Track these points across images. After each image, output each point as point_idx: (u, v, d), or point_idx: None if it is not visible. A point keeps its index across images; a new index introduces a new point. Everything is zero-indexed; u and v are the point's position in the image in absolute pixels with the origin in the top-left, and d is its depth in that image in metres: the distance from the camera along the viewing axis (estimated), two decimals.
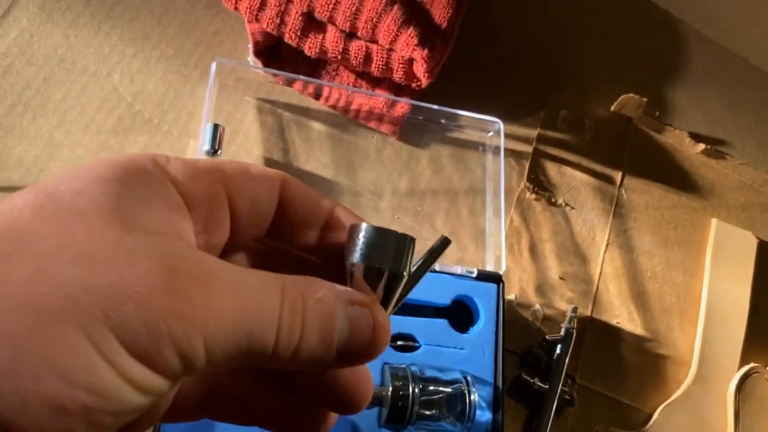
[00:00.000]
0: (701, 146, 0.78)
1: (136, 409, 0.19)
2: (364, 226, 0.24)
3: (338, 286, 0.23)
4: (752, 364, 0.69)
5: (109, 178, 0.20)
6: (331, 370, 0.25)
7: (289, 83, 0.64)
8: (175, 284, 0.19)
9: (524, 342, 0.65)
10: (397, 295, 0.24)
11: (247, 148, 0.61)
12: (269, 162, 0.61)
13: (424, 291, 0.60)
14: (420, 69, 0.62)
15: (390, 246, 0.24)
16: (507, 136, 0.70)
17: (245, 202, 0.25)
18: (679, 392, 0.68)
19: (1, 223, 0.18)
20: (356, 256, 0.24)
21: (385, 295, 0.24)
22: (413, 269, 0.24)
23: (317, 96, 0.65)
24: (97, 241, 0.19)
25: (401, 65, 0.63)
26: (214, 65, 0.59)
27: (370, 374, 0.25)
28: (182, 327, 0.19)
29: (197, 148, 0.57)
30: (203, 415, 0.27)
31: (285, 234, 0.26)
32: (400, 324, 0.58)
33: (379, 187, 0.65)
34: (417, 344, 0.58)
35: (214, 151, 0.58)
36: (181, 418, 0.26)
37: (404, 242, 0.24)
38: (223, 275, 0.20)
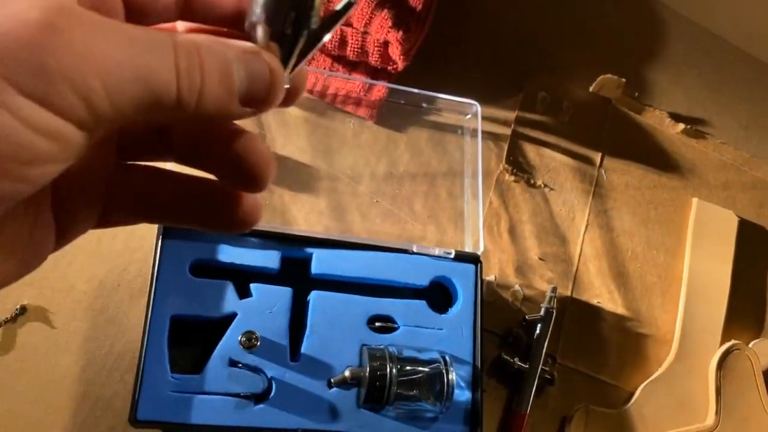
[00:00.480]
0: (681, 126, 0.78)
1: (47, 157, 0.19)
2: None
3: (228, 40, 0.23)
4: (733, 341, 0.69)
5: None
6: (234, 135, 0.25)
7: None
8: (57, 22, 0.18)
9: (504, 322, 0.65)
10: (297, 52, 0.24)
11: None
12: None
13: (402, 272, 0.60)
14: (395, 51, 0.62)
15: (284, 4, 0.24)
16: (485, 118, 0.70)
17: None
18: (660, 370, 0.68)
19: None
20: (253, 17, 0.24)
21: (286, 53, 0.24)
22: (314, 28, 0.24)
23: None
24: None
25: (376, 48, 0.63)
26: None
27: (270, 151, 0.26)
28: (74, 63, 0.18)
29: None
30: (124, 217, 0.27)
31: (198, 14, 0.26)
32: (378, 306, 0.58)
33: (357, 172, 0.65)
34: (395, 325, 0.59)
35: None
36: (112, 218, 0.26)
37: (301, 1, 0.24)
38: (112, 24, 0.20)
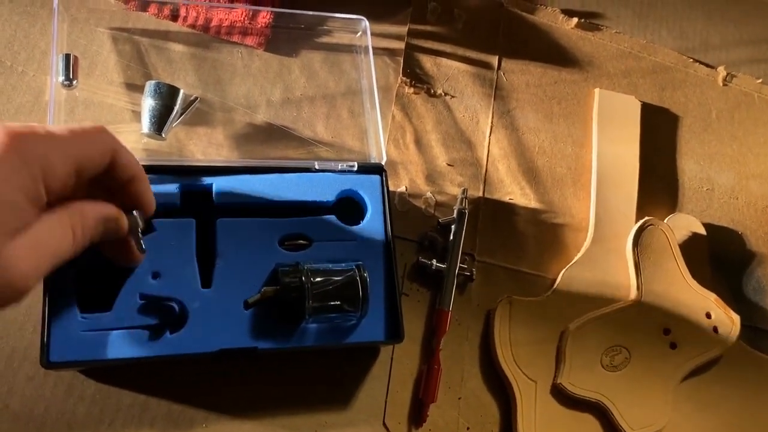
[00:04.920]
0: (575, 21, 0.79)
1: None
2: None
3: (101, 205, 0.44)
4: (647, 218, 0.71)
5: None
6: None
7: (143, 8, 0.63)
8: None
9: (420, 229, 0.66)
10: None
11: (108, 78, 0.61)
12: (132, 87, 0.61)
13: (308, 191, 0.60)
14: None
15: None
16: (378, 35, 0.70)
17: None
18: (579, 255, 0.70)
19: None
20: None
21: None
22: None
23: (174, 17, 0.64)
24: None
25: None
26: None
27: (133, 252, 0.49)
28: None
29: (50, 83, 0.56)
30: None
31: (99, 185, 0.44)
32: (288, 226, 0.59)
33: (252, 101, 0.65)
34: (307, 242, 0.59)
35: (69, 81, 0.57)
36: None
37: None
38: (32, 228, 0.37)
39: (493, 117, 0.72)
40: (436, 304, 0.63)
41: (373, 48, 0.66)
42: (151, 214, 0.47)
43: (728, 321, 0.69)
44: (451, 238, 0.65)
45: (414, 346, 0.62)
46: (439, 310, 0.63)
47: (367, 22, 0.66)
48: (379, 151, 0.63)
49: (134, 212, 0.46)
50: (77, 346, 0.50)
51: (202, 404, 0.55)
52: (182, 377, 0.55)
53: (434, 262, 0.64)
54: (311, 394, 0.58)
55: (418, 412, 0.60)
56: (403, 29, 0.72)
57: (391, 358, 0.61)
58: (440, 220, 0.66)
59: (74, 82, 0.57)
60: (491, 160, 0.71)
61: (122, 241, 0.47)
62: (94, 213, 0.42)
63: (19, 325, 0.53)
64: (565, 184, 0.73)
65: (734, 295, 0.75)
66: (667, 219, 0.74)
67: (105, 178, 0.43)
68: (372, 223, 0.61)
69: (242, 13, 0.65)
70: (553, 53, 0.78)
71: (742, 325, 0.69)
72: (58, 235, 0.39)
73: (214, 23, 0.65)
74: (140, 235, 0.47)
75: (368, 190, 0.62)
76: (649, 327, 0.68)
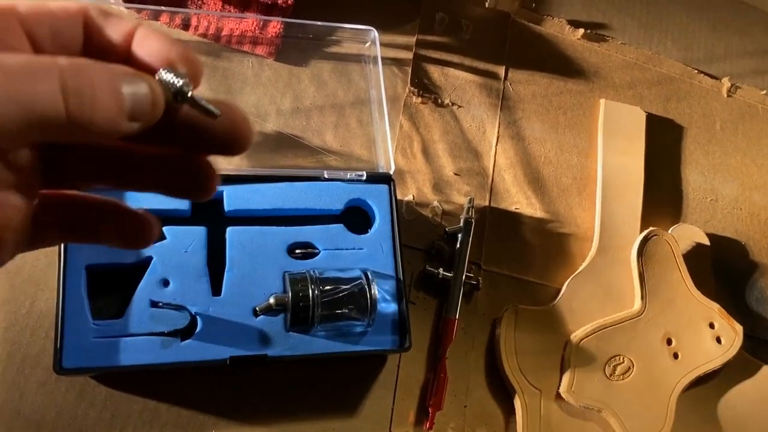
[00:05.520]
0: (581, 31, 0.80)
1: None
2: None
3: (114, 64, 0.25)
4: (651, 228, 0.72)
5: None
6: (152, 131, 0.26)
7: (155, 17, 0.64)
8: None
9: (427, 238, 0.67)
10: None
11: None
12: None
13: (317, 199, 0.61)
14: None
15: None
16: (386, 45, 0.71)
17: (45, 36, 0.25)
18: (584, 265, 0.70)
19: None
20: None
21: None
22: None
23: (185, 26, 0.65)
24: None
25: None
26: None
27: (246, 116, 0.29)
28: None
29: None
30: (54, 238, 0.30)
31: None
32: (297, 234, 0.59)
33: (263, 110, 0.65)
34: (316, 251, 0.60)
35: None
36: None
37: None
38: None
39: (499, 127, 0.73)
40: (442, 313, 0.64)
41: (382, 58, 0.66)
42: (193, 71, 0.27)
43: (731, 331, 0.70)
44: (458, 247, 0.65)
45: (420, 354, 0.63)
46: (445, 318, 0.63)
47: (377, 33, 0.67)
48: (388, 160, 0.63)
49: (163, 71, 0.26)
50: (90, 353, 0.51)
51: (211, 411, 0.56)
52: (192, 384, 0.56)
53: (441, 270, 0.64)
54: (319, 401, 0.59)
55: (424, 420, 0.61)
56: (411, 39, 0.73)
57: (398, 366, 0.62)
58: (447, 229, 0.67)
59: None
60: (497, 170, 0.71)
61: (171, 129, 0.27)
62: (106, 73, 0.24)
63: (31, 330, 0.54)
64: (571, 194, 0.73)
65: (737, 306, 0.75)
66: (671, 229, 0.74)
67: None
68: (380, 232, 0.62)
69: (253, 23, 0.65)
70: (560, 64, 0.78)
71: (745, 335, 0.70)
72: (35, 70, 0.22)
73: (224, 32, 0.65)
74: (198, 100, 0.27)
75: (376, 199, 0.62)
76: (652, 337, 0.69)
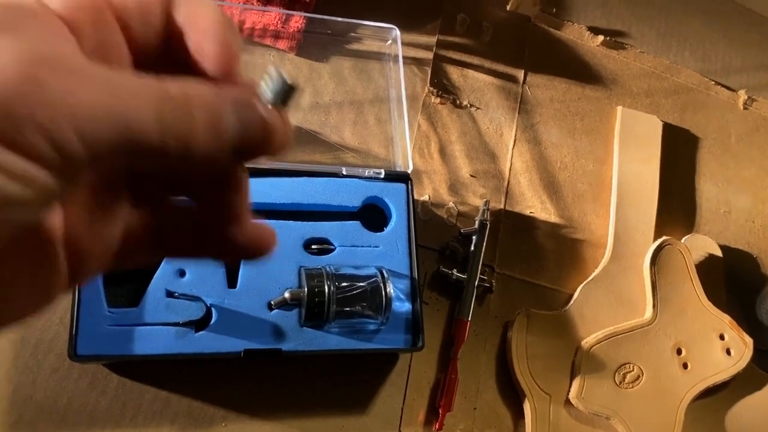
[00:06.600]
0: (601, 38, 0.80)
1: (20, 201, 0.19)
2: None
3: (223, 87, 0.23)
4: (664, 237, 0.71)
5: None
6: (230, 194, 0.25)
7: None
8: (36, 73, 0.19)
9: (441, 238, 0.66)
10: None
11: None
12: None
13: (334, 195, 0.61)
14: None
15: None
16: (407, 44, 0.71)
17: (135, 22, 0.24)
18: (597, 271, 0.70)
19: None
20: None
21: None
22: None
23: None
24: None
25: None
26: None
27: (271, 229, 0.26)
28: (44, 111, 0.19)
29: None
30: (140, 256, 0.27)
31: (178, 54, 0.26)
32: (313, 229, 0.59)
33: None
34: (332, 247, 0.60)
35: None
36: (126, 259, 0.27)
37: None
38: (94, 70, 0.20)
39: (516, 130, 0.73)
40: (455, 314, 0.64)
41: (402, 57, 0.66)
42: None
43: (741, 344, 0.70)
44: (472, 248, 0.65)
45: (431, 354, 0.63)
46: (458, 319, 0.63)
47: (398, 31, 0.67)
48: (406, 159, 0.63)
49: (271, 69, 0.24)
50: (104, 341, 0.51)
51: (222, 403, 0.55)
52: (204, 375, 0.56)
53: (455, 272, 0.64)
54: (330, 398, 0.58)
55: (433, 421, 0.60)
56: (432, 39, 0.73)
57: (409, 366, 0.62)
58: (462, 231, 0.66)
59: None
60: (513, 173, 0.71)
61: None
62: (210, 89, 0.22)
63: (46, 316, 0.54)
64: (585, 200, 0.73)
65: (747, 319, 0.75)
66: (684, 239, 0.74)
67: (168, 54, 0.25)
68: (396, 231, 0.61)
69: (276, 17, 0.65)
70: (578, 69, 0.78)
71: (755, 348, 0.70)
72: (134, 92, 0.20)
73: (247, 25, 0.65)
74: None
75: (394, 197, 0.62)
76: (662, 346, 0.69)
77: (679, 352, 0.69)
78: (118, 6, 0.24)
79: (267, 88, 0.24)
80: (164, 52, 0.25)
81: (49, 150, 0.19)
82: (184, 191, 0.27)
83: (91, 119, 0.20)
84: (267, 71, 0.24)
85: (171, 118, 0.21)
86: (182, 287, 0.54)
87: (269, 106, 0.23)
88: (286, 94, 0.24)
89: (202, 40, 0.25)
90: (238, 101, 0.22)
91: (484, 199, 0.67)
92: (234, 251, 0.27)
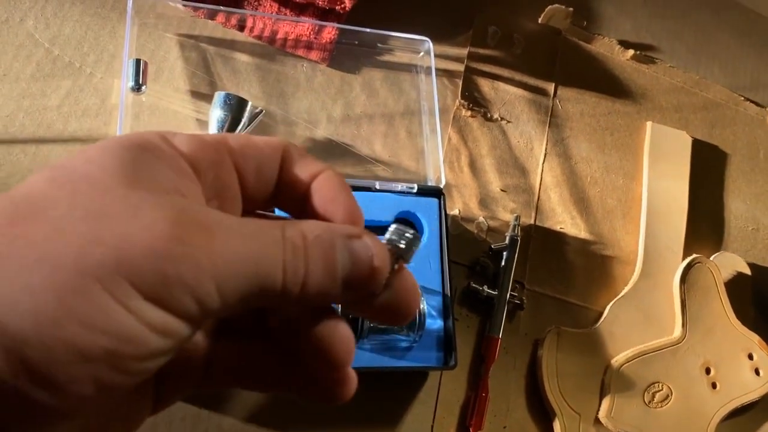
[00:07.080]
0: (631, 52, 0.79)
1: (158, 352, 0.20)
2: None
3: (334, 224, 0.25)
4: (694, 255, 0.71)
5: (117, 148, 0.22)
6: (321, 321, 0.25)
7: (212, 16, 0.63)
8: (180, 233, 0.20)
9: (471, 254, 0.66)
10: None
11: (173, 85, 0.61)
12: (197, 96, 0.60)
13: (366, 209, 0.60)
14: None
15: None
16: (438, 56, 0.70)
17: (251, 168, 0.26)
18: (626, 289, 0.70)
19: (18, 195, 0.20)
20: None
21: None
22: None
23: (241, 27, 0.64)
24: (104, 199, 0.20)
25: None
26: (130, 1, 0.57)
27: (350, 334, 0.25)
28: (191, 271, 0.20)
29: (121, 87, 0.56)
30: (220, 384, 0.28)
31: (286, 200, 0.28)
32: None
33: (314, 116, 0.65)
34: None
35: (138, 86, 0.57)
36: (206, 387, 0.27)
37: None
38: (226, 223, 0.22)
39: (547, 144, 0.72)
40: (485, 331, 0.63)
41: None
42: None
43: None
44: (503, 264, 0.65)
45: (462, 372, 0.62)
46: (488, 336, 0.62)
47: (431, 44, 0.66)
48: (438, 174, 0.63)
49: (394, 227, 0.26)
50: None
51: (253, 420, 0.55)
52: (234, 391, 0.55)
53: (485, 288, 0.63)
54: (360, 415, 0.58)
55: None
56: (463, 51, 0.72)
57: (439, 383, 0.61)
58: (492, 246, 0.66)
59: (143, 88, 0.57)
60: (544, 188, 0.71)
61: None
62: (326, 229, 0.24)
63: None
64: (615, 216, 0.73)
65: None
66: (713, 257, 0.73)
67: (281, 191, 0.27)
68: (428, 246, 0.61)
69: (308, 28, 0.64)
70: (608, 83, 0.78)
71: None
72: (262, 242, 0.22)
73: (279, 36, 0.65)
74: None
75: (426, 212, 0.62)
76: (691, 365, 0.68)
77: (708, 371, 0.68)
78: (237, 152, 0.26)
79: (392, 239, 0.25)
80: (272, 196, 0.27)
81: (193, 306, 0.20)
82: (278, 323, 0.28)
83: (230, 274, 0.21)
84: (391, 227, 0.26)
85: (291, 259, 0.22)
86: None
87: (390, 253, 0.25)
88: (409, 243, 0.25)
89: (328, 206, 0.26)
90: (351, 236, 0.24)
91: (515, 214, 0.67)
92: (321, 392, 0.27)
